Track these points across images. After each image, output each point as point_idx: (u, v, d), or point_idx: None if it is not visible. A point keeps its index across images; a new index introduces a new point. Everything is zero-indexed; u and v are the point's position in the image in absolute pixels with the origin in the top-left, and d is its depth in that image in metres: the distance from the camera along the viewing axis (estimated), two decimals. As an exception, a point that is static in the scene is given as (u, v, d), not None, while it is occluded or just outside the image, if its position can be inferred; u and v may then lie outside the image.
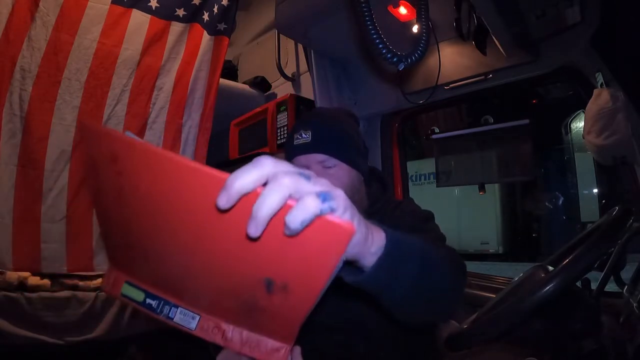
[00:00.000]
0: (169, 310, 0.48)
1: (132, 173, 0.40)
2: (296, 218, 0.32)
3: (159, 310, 0.48)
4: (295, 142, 0.83)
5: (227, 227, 0.36)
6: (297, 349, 0.49)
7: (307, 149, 0.82)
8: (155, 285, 0.50)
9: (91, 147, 0.43)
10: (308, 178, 0.34)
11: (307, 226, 0.33)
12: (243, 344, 0.47)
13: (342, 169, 0.82)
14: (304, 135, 0.82)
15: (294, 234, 0.33)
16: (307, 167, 0.80)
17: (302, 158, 0.82)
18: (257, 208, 0.32)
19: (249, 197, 0.33)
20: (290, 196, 0.32)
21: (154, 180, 0.39)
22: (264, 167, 0.33)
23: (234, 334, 0.47)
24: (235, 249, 0.38)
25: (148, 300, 0.49)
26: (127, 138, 0.39)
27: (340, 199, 0.35)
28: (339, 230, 0.34)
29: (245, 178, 0.32)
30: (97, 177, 0.45)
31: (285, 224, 0.32)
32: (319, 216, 0.33)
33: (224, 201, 0.32)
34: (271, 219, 0.33)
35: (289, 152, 0.86)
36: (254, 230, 0.32)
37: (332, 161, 0.81)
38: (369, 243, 0.42)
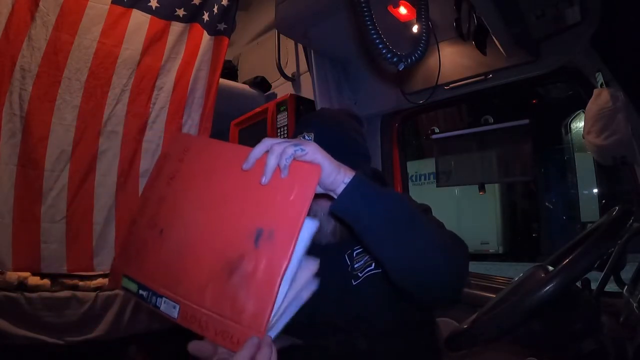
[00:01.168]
0: (156, 300, 0.56)
1: (193, 158, 0.62)
2: (282, 159, 0.54)
3: (148, 300, 0.57)
4: None
5: (244, 185, 0.56)
6: (268, 338, 0.51)
7: None
8: (148, 275, 0.59)
9: (172, 145, 0.66)
10: (289, 141, 0.56)
11: (290, 166, 0.54)
12: (217, 334, 0.51)
13: None
14: (306, 137, 0.83)
15: (285, 171, 0.54)
16: None
17: None
18: (265, 167, 0.54)
19: (260, 161, 0.56)
20: (280, 155, 0.54)
21: (207, 157, 0.61)
22: (264, 143, 0.56)
23: (209, 324, 0.52)
24: (244, 205, 0.55)
25: (140, 291, 0.58)
26: (200, 136, 0.67)
27: (309, 146, 0.56)
28: (308, 167, 0.55)
29: (255, 150, 0.56)
30: (162, 166, 0.65)
31: (280, 168, 0.54)
32: (295, 160, 0.55)
33: (245, 165, 0.56)
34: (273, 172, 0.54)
35: None
36: (265, 179, 0.54)
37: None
38: (341, 174, 0.58)
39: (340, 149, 0.83)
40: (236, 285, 0.50)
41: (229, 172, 0.58)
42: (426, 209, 0.88)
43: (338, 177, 0.58)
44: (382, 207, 0.60)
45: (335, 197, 0.59)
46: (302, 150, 0.54)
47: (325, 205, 0.77)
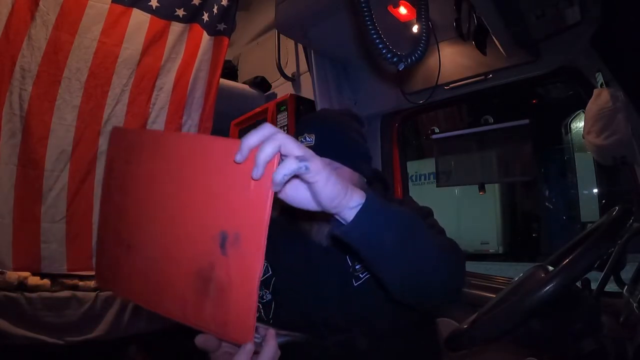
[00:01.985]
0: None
1: (140, 157, 0.53)
2: (279, 173, 0.43)
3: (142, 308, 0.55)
4: None
5: (200, 184, 0.47)
6: (272, 332, 0.51)
7: None
8: (131, 293, 0.57)
9: (115, 145, 0.57)
10: (292, 141, 0.45)
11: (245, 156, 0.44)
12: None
13: (345, 172, 0.83)
14: (307, 138, 0.82)
15: (278, 185, 0.43)
16: None
17: None
18: (258, 155, 0.42)
19: (219, 150, 0.46)
20: (280, 147, 0.43)
21: (155, 154, 0.51)
22: (264, 128, 0.44)
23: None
24: (203, 207, 0.47)
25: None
26: (142, 129, 0.54)
27: (314, 162, 0.45)
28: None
29: (251, 137, 0.43)
30: (111, 172, 0.57)
31: (272, 180, 0.43)
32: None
33: (238, 157, 0.43)
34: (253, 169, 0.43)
35: None
36: (256, 173, 0.43)
37: (336, 164, 0.82)
38: (347, 198, 0.50)
39: (340, 150, 0.83)
40: (214, 298, 0.46)
41: (183, 171, 0.49)
42: (427, 213, 0.88)
43: (344, 199, 0.50)
44: (391, 234, 0.55)
45: (340, 220, 0.53)
46: (307, 168, 0.45)
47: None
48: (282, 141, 0.44)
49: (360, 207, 0.51)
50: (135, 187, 0.54)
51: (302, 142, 0.83)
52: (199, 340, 0.51)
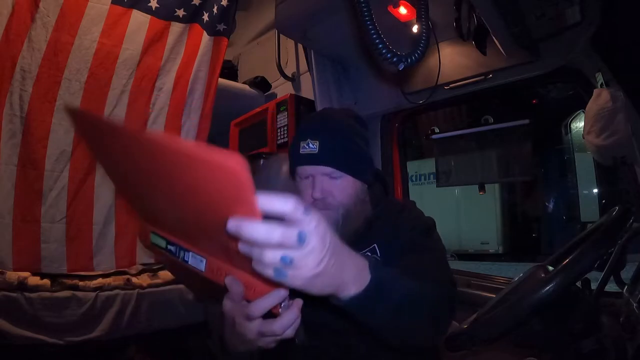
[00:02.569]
0: (184, 254, 0.54)
1: (108, 148, 0.49)
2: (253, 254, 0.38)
3: (177, 255, 0.54)
4: (302, 150, 0.82)
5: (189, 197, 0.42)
6: (299, 301, 0.51)
7: (314, 160, 0.81)
8: (170, 231, 0.56)
9: (81, 128, 0.55)
10: (302, 241, 0.37)
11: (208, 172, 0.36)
12: (246, 287, 0.50)
13: (347, 181, 0.82)
14: (311, 145, 0.81)
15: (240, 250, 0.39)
16: (313, 177, 0.81)
17: (309, 168, 0.82)
18: (251, 228, 0.36)
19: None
20: (275, 243, 0.37)
21: (119, 149, 0.46)
22: (296, 205, 0.37)
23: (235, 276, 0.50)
24: (193, 211, 0.44)
25: (169, 247, 0.56)
26: (101, 117, 0.50)
27: (297, 277, 0.39)
28: (230, 168, 0.35)
29: (264, 234, 0.36)
30: (91, 146, 0.55)
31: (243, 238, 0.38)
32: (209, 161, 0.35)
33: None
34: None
35: (294, 159, 0.85)
36: (233, 228, 0.37)
37: (338, 173, 0.81)
38: (339, 290, 0.47)
39: (344, 159, 0.82)
40: (238, 260, 0.46)
41: (164, 176, 0.42)
42: (429, 227, 0.87)
43: (337, 290, 0.47)
44: (381, 319, 0.56)
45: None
46: (283, 277, 0.39)
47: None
48: (281, 240, 0.37)
49: (353, 295, 0.49)
50: (120, 168, 0.52)
51: (304, 147, 0.82)
52: (228, 279, 0.50)
